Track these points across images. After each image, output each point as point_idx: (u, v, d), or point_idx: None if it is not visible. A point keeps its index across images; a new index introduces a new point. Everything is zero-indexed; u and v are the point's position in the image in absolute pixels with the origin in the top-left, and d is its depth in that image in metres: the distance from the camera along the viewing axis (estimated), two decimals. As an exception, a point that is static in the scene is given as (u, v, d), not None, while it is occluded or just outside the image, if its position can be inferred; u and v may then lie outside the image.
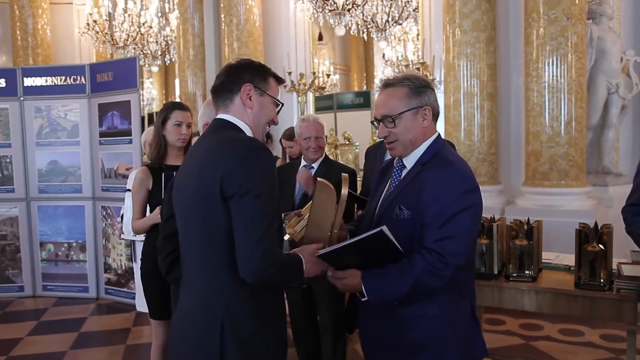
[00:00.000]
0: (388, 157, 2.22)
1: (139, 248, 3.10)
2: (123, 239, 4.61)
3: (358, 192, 3.30)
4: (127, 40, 8.45)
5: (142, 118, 6.80)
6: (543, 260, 2.94)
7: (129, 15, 8.38)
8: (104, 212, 5.43)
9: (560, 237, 3.49)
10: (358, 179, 3.61)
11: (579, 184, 4.92)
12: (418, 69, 6.80)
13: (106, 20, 8.33)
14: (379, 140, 2.16)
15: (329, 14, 6.45)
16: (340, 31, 6.93)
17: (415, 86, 1.78)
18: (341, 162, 5.92)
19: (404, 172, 1.84)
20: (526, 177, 5.19)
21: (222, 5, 7.34)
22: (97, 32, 8.30)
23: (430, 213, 1.68)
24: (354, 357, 3.59)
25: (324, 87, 8.30)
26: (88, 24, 8.29)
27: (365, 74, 11.33)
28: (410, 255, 1.67)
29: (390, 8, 7.13)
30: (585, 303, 2.58)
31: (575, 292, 2.59)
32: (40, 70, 5.92)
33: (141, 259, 2.85)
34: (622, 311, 2.50)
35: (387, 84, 1.83)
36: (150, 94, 13.19)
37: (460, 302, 1.77)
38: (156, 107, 12.58)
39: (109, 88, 5.37)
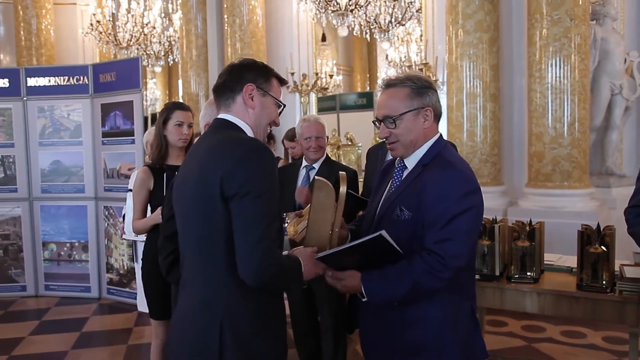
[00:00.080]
0: (389, 157, 2.21)
1: (141, 248, 3.10)
2: (125, 239, 4.62)
3: (360, 192, 3.29)
4: (131, 40, 8.48)
5: (145, 118, 6.82)
6: (545, 262, 2.93)
7: (132, 15, 8.41)
8: (107, 212, 5.44)
9: (563, 239, 3.48)
10: (360, 179, 3.60)
11: (582, 185, 4.91)
12: (421, 69, 6.79)
13: (109, 20, 8.36)
14: (381, 140, 2.15)
15: (332, 14, 6.44)
16: (343, 32, 6.92)
17: (417, 87, 1.78)
18: (343, 163, 5.92)
19: (405, 173, 1.83)
20: (529, 179, 5.18)
21: (225, 5, 7.35)
22: (101, 33, 8.33)
23: (430, 214, 1.67)
24: (354, 357, 3.59)
25: (327, 88, 8.30)
26: (91, 25, 8.32)
27: (368, 75, 11.33)
28: (410, 257, 1.66)
29: (393, 9, 7.11)
30: (587, 305, 2.56)
31: (577, 293, 2.58)
32: (43, 70, 5.94)
33: (142, 259, 2.85)
34: (625, 313, 2.49)
35: (389, 84, 1.82)
36: (153, 95, 13.22)
37: (460, 303, 1.76)
38: (159, 107, 12.60)
39: (112, 88, 5.38)
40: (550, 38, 4.82)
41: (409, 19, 7.19)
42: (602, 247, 2.54)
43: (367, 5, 6.58)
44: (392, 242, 1.60)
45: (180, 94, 8.81)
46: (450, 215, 1.64)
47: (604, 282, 2.52)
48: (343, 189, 1.78)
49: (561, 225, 3.99)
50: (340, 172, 1.88)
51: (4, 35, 9.60)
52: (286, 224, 2.13)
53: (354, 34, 7.55)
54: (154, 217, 2.71)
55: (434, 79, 6.45)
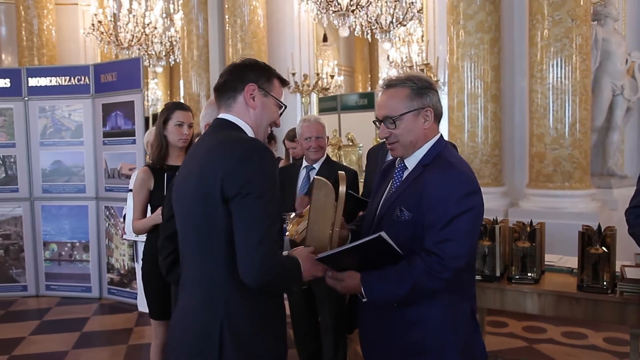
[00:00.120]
0: (390, 158, 2.21)
1: (141, 248, 3.10)
2: (125, 239, 4.63)
3: (360, 193, 3.29)
4: (132, 41, 8.49)
5: (147, 118, 6.82)
6: (546, 263, 2.93)
7: (134, 16, 8.42)
8: (107, 212, 5.45)
9: (564, 240, 3.47)
10: (361, 180, 3.60)
11: (583, 186, 4.90)
12: (422, 70, 6.79)
13: (111, 21, 8.37)
14: (382, 141, 2.15)
15: (333, 15, 6.44)
16: (344, 32, 6.93)
17: (417, 87, 1.77)
18: (344, 164, 5.92)
19: (406, 174, 1.83)
20: (530, 179, 5.17)
21: (226, 6, 7.35)
22: (102, 33, 8.34)
23: (430, 215, 1.67)
24: (355, 358, 3.59)
25: (328, 88, 8.30)
26: (93, 25, 8.33)
27: (369, 75, 11.33)
28: (410, 257, 1.66)
29: (394, 9, 7.11)
30: (588, 306, 2.56)
31: (577, 294, 2.57)
32: (44, 70, 5.95)
33: (142, 259, 2.85)
34: (625, 314, 2.49)
35: (389, 84, 1.82)
36: (155, 95, 13.22)
37: (460, 304, 1.76)
38: (160, 107, 12.60)
39: (113, 88, 5.39)
40: (552, 39, 4.81)
41: (410, 20, 7.18)
42: (603, 248, 2.53)
43: (368, 5, 6.58)
44: (391, 243, 1.60)
45: (182, 94, 8.82)
46: (450, 216, 1.64)
47: (605, 283, 2.52)
48: (342, 188, 1.77)
49: (562, 226, 3.98)
50: (339, 172, 1.87)
51: (6, 35, 9.61)
52: (286, 224, 2.13)
53: (355, 34, 7.55)
54: (154, 217, 2.71)
55: (435, 79, 6.45)
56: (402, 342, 1.75)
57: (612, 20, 5.56)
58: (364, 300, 1.70)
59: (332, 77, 8.41)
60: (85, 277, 5.54)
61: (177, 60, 9.59)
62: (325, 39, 9.17)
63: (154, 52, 9.71)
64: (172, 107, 2.83)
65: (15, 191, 5.59)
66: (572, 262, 2.88)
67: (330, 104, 7.85)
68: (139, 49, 8.83)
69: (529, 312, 2.76)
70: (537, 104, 4.96)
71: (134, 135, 5.19)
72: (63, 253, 5.59)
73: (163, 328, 2.79)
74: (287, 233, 2.02)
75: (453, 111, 5.47)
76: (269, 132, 1.80)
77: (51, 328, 4.67)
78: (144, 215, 2.82)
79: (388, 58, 8.85)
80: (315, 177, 1.85)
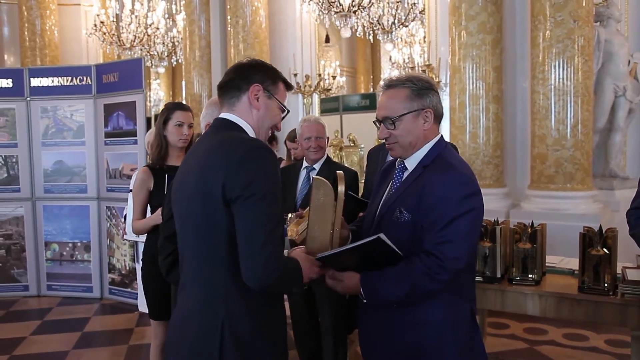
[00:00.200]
0: (390, 158, 2.21)
1: (142, 249, 3.10)
2: (126, 239, 4.63)
3: (360, 194, 3.29)
4: (134, 41, 8.50)
5: (149, 119, 6.82)
6: (547, 264, 2.92)
7: (136, 16, 8.44)
8: (109, 213, 5.45)
9: (565, 241, 3.46)
10: (361, 181, 3.60)
11: (585, 187, 4.89)
12: (424, 71, 6.79)
13: (113, 21, 8.39)
14: (382, 142, 2.15)
15: (335, 15, 6.45)
16: (346, 33, 6.93)
17: (417, 88, 1.77)
18: (346, 164, 5.92)
19: (406, 174, 1.82)
20: (531, 180, 5.16)
21: (228, 6, 7.36)
22: (104, 34, 8.36)
23: (430, 216, 1.66)
24: (355, 358, 3.58)
25: (330, 89, 8.31)
26: (95, 25, 8.35)
27: (371, 76, 11.33)
28: (409, 259, 1.65)
29: (396, 10, 7.12)
30: (589, 307, 2.55)
31: (578, 296, 2.56)
32: (46, 70, 5.96)
33: (142, 260, 2.85)
34: (627, 316, 2.48)
35: (390, 85, 1.82)
36: (157, 95, 13.25)
37: (460, 305, 1.75)
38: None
39: (115, 89, 5.39)
40: (554, 40, 4.80)
41: (412, 21, 7.19)
42: (604, 249, 2.53)
43: (370, 6, 6.58)
44: (390, 245, 1.59)
45: (184, 94, 8.85)
46: (449, 217, 1.64)
47: (606, 285, 2.51)
48: (341, 188, 1.77)
49: (563, 228, 3.97)
50: (337, 171, 1.87)
51: (8, 35, 9.64)
52: (287, 225, 2.13)
53: (357, 35, 7.56)
54: (154, 217, 2.71)
55: (437, 80, 6.44)
56: (402, 342, 1.74)
57: (615, 22, 5.55)
58: (365, 301, 1.70)
59: (334, 77, 8.42)
60: (87, 277, 5.54)
61: (180, 61, 9.61)
62: (327, 40, 9.18)
63: (156, 53, 9.73)
64: (172, 107, 2.83)
65: (17, 191, 5.60)
66: (573, 263, 2.86)
67: (332, 105, 7.85)
68: (141, 50, 8.85)
69: (529, 314, 2.75)
70: (538, 105, 4.96)
71: (136, 136, 5.20)
72: (64, 253, 5.60)
73: (163, 328, 2.79)
74: (287, 234, 2.02)
75: (455, 112, 5.47)
76: (270, 134, 1.79)
77: (52, 328, 4.67)
78: (144, 215, 2.82)
79: (390, 59, 8.86)
80: (314, 177, 1.85)
